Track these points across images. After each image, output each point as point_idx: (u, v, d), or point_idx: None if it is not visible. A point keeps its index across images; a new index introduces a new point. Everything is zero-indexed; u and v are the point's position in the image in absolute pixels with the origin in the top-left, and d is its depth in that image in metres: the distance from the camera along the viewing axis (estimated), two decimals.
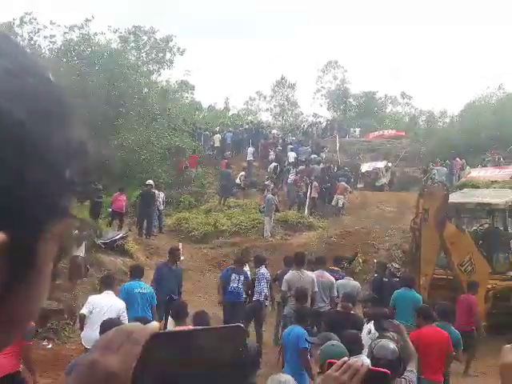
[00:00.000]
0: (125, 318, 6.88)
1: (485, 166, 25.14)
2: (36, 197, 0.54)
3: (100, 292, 7.70)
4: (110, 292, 7.39)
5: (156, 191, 17.91)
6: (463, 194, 13.66)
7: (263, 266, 10.65)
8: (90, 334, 6.74)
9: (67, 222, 0.60)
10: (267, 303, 10.77)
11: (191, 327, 0.75)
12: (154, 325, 0.72)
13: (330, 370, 1.59)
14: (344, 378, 1.54)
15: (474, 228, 12.69)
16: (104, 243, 13.85)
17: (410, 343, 5.57)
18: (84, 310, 7.14)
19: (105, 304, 7.08)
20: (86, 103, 20.57)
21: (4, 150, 0.50)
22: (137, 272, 8.63)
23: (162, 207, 18.31)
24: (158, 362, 0.69)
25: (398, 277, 10.88)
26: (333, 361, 1.63)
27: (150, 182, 17.73)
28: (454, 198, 11.99)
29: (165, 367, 0.69)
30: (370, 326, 7.04)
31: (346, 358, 1.64)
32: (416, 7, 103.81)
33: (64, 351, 8.38)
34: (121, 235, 15.30)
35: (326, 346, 4.91)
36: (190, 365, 0.69)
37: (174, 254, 10.44)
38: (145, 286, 8.47)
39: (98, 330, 5.46)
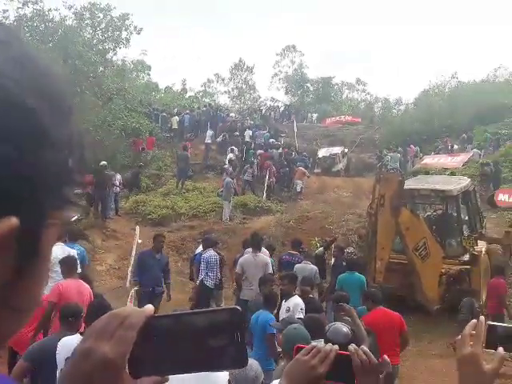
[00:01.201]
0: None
1: (437, 153, 25.82)
2: (46, 184, 0.54)
3: None
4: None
5: (112, 172, 17.61)
6: (417, 181, 13.95)
7: (211, 248, 10.08)
8: None
9: (69, 210, 0.61)
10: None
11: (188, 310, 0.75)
12: (150, 308, 0.72)
13: (299, 355, 1.60)
14: (314, 363, 1.57)
15: (428, 214, 13.02)
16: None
17: (362, 327, 5.71)
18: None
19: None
20: None
21: (17, 137, 0.51)
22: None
23: (118, 189, 18.03)
24: (154, 346, 0.69)
25: None
26: (301, 345, 1.65)
27: (104, 162, 17.36)
28: (409, 184, 12.23)
29: (162, 351, 0.70)
30: (288, 304, 7.21)
31: (315, 343, 1.66)
32: None
33: None
34: (75, 217, 14.97)
35: (289, 329, 4.99)
36: (188, 348, 0.69)
37: (158, 240, 9.81)
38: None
39: None
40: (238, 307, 0.72)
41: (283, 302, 7.47)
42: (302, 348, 1.61)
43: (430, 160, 23.31)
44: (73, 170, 0.59)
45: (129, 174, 20.37)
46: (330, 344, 1.60)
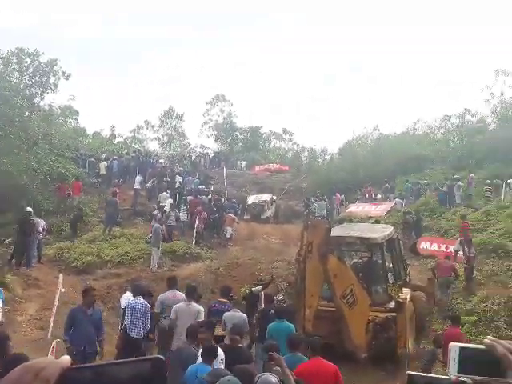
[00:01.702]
0: None
1: (358, 202, 26.73)
2: None
3: None
4: None
5: (36, 219, 16.96)
6: (343, 228, 14.30)
7: (140, 296, 9.75)
8: None
9: None
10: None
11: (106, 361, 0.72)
12: (66, 359, 0.69)
13: None
14: None
15: (354, 261, 13.34)
16: None
17: (291, 377, 5.72)
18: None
19: None
20: None
21: None
22: None
23: (41, 236, 17.35)
24: None
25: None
26: None
27: (29, 209, 16.76)
28: (335, 231, 12.51)
29: None
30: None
31: None
32: (297, 48, 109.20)
33: None
34: None
35: (222, 382, 4.93)
36: None
37: (89, 295, 9.12)
38: None
39: None
40: (161, 356, 0.70)
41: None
42: None
43: (354, 208, 24.10)
44: None
45: (71, 217, 20.62)
46: None
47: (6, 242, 18.36)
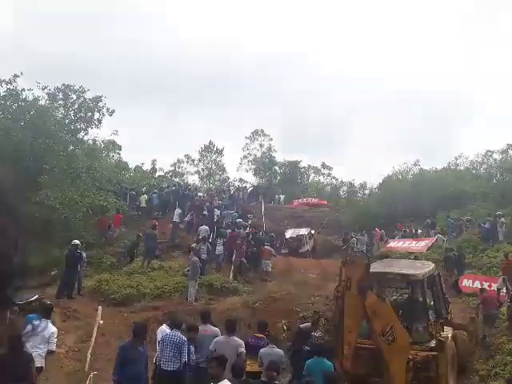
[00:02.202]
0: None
1: (402, 237, 26.22)
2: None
3: None
4: None
5: (82, 252, 17.47)
6: (383, 264, 14.03)
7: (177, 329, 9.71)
8: None
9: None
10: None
11: None
12: None
13: None
14: None
15: (394, 298, 13.03)
16: (18, 305, 13.07)
17: None
18: None
19: None
20: (9, 158, 19.96)
21: None
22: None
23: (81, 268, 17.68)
24: None
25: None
26: None
27: (76, 241, 17.23)
28: (375, 267, 12.28)
29: None
30: None
31: None
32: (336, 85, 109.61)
33: None
34: (36, 296, 14.54)
35: None
36: None
37: (142, 331, 8.98)
38: None
39: None
40: None
41: None
42: None
43: (395, 244, 23.66)
44: (15, 274, 0.62)
45: (128, 243, 21.94)
46: None
47: (52, 273, 18.74)
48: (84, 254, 17.86)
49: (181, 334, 9.56)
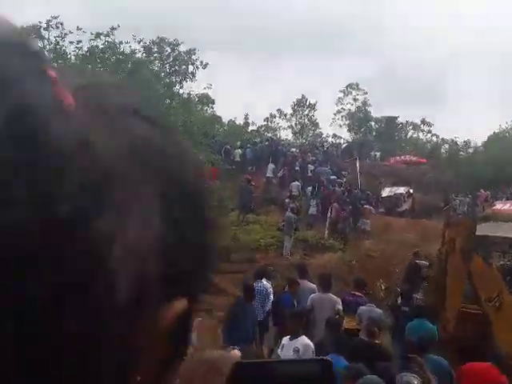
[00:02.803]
0: None
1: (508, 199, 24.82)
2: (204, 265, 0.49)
3: None
4: None
5: None
6: (489, 227, 13.44)
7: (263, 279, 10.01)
8: None
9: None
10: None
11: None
12: (237, 354, 0.74)
13: None
14: None
15: (501, 263, 12.45)
16: None
17: (434, 381, 5.44)
18: None
19: None
20: None
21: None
22: None
23: None
24: None
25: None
26: None
27: None
28: (480, 230, 11.74)
29: None
30: (295, 344, 6.98)
31: None
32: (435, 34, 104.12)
33: None
34: None
35: (366, 381, 4.77)
36: None
37: (251, 289, 9.03)
38: None
39: None
40: (329, 358, 0.66)
41: (287, 340, 7.19)
42: None
43: (501, 206, 22.46)
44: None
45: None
46: None
47: None
48: None
49: (266, 284, 9.77)
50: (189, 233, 0.45)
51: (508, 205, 22.21)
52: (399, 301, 11.35)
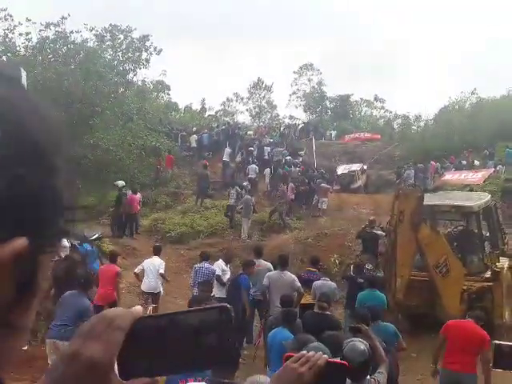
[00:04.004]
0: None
1: (459, 168, 25.44)
2: (49, 210, 0.58)
3: None
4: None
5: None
6: (438, 197, 13.77)
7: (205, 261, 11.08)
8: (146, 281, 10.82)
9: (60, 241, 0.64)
10: None
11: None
12: (138, 309, 0.71)
13: (288, 362, 1.60)
14: (302, 370, 1.55)
15: (449, 230, 12.84)
16: (79, 243, 13.62)
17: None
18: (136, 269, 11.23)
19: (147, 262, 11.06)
20: (61, 101, 20.31)
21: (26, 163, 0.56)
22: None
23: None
24: (143, 347, 0.69)
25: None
26: (291, 354, 1.64)
27: (121, 182, 17.92)
28: (429, 199, 12.05)
29: (150, 352, 0.69)
30: None
31: (304, 352, 1.65)
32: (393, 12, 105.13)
33: (40, 353, 8.20)
34: (96, 235, 15.10)
35: (309, 348, 4.91)
36: (178, 348, 0.69)
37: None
38: None
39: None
40: (227, 305, 0.72)
41: None
42: (291, 356, 1.61)
43: (450, 176, 23.03)
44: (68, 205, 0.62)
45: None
46: (321, 352, 1.58)
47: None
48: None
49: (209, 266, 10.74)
50: (27, 177, 0.55)
51: (457, 175, 22.81)
52: (351, 272, 11.63)
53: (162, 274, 10.90)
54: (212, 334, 0.69)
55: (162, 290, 11.13)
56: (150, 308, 10.02)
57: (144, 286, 10.94)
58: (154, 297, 10.84)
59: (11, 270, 0.55)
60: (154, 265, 10.87)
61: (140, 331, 0.68)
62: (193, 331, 0.69)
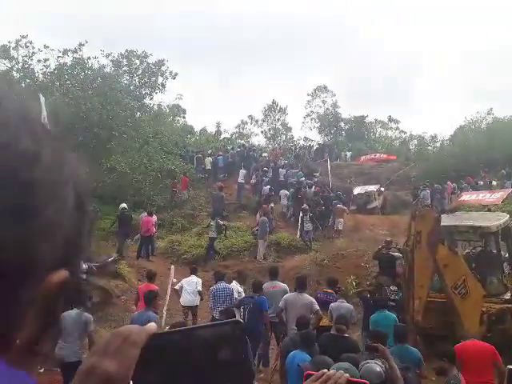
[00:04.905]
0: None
1: (476, 188, 25.20)
2: (85, 245, 0.64)
3: None
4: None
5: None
6: (455, 217, 13.65)
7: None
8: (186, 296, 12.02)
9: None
10: None
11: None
12: (152, 326, 0.73)
13: (308, 380, 1.58)
14: None
15: (467, 251, 12.69)
16: (97, 266, 13.72)
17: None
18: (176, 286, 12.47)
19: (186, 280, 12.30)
20: (79, 126, 20.66)
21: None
22: None
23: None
24: (158, 362, 0.70)
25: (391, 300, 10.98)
26: (311, 372, 1.62)
27: (123, 205, 17.86)
28: (447, 220, 11.98)
29: (165, 367, 0.70)
30: None
31: (325, 370, 1.63)
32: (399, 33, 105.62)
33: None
34: (113, 258, 15.22)
35: (338, 367, 4.85)
36: (191, 364, 0.70)
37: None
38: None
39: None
40: (239, 319, 0.74)
41: None
42: (311, 375, 1.59)
43: (467, 197, 22.81)
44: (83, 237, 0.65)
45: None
46: (342, 371, 1.56)
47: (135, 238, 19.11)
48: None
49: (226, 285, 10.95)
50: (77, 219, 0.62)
51: (474, 195, 22.59)
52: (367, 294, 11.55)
53: (199, 292, 12.05)
54: (225, 349, 0.70)
55: (198, 303, 12.21)
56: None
57: (184, 301, 12.12)
58: (192, 310, 12.14)
59: (54, 300, 0.58)
60: (192, 282, 12.17)
61: (155, 347, 0.69)
62: (206, 346, 0.70)
